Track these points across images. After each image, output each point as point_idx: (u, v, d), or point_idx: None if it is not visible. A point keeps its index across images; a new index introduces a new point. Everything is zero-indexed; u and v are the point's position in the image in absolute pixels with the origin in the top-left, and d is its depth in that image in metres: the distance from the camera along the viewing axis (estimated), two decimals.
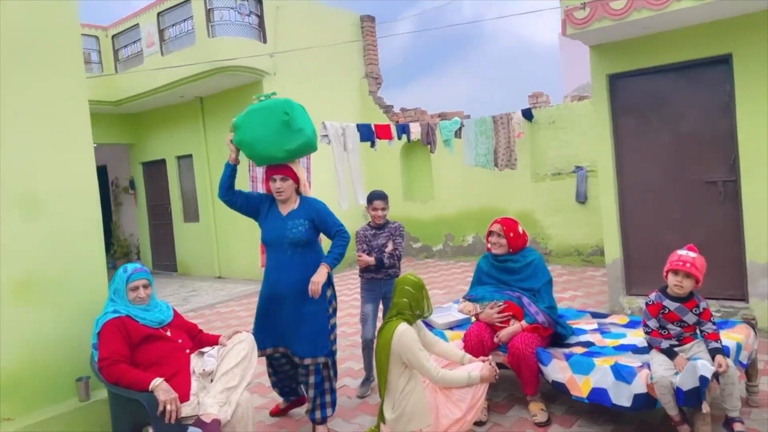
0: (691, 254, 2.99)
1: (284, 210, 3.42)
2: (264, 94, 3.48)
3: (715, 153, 4.93)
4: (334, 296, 3.56)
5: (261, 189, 5.48)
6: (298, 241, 3.34)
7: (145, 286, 3.06)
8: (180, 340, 3.07)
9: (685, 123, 5.06)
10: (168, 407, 2.64)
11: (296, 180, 3.42)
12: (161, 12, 9.60)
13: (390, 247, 4.09)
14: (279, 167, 3.36)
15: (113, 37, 10.67)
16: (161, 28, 9.69)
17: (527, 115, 8.71)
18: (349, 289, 8.20)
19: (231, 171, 3.42)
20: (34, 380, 3.16)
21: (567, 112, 8.60)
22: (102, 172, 12.86)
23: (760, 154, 4.61)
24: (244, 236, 9.72)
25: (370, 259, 4.03)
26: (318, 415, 3.42)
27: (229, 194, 3.42)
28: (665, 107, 5.15)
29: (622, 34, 5.02)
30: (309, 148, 3.42)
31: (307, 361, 3.34)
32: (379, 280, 4.10)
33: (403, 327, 3.01)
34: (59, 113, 3.40)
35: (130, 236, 12.76)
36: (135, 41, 10.30)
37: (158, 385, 2.70)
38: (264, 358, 3.57)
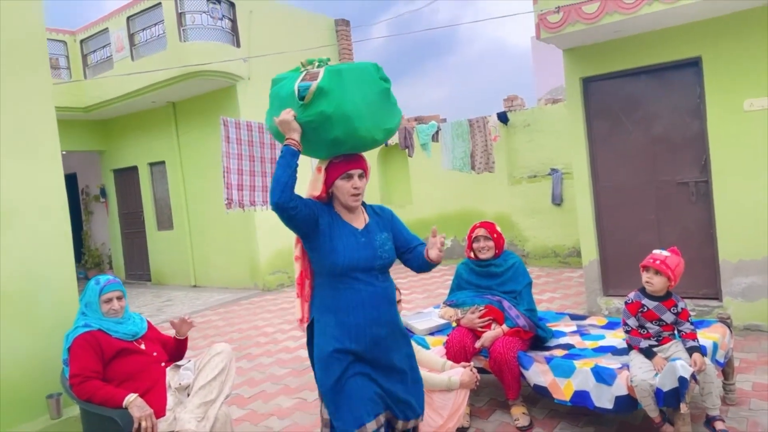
0: (665, 253, 3.04)
1: (356, 222, 2.44)
2: (318, 59, 2.42)
3: (686, 154, 5.02)
4: None
5: (238, 198, 5.34)
6: (389, 263, 2.45)
7: (119, 298, 2.97)
8: (155, 353, 2.99)
9: (657, 125, 5.14)
10: (143, 424, 2.57)
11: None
12: (131, 16, 9.42)
13: None
14: (357, 158, 2.40)
15: (82, 41, 10.43)
16: (131, 33, 9.50)
17: (503, 118, 8.78)
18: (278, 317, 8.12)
19: (296, 162, 2.28)
20: (2, 398, 3.04)
21: (542, 115, 8.69)
22: (72, 179, 12.55)
23: (730, 154, 4.71)
24: (221, 243, 9.59)
25: None
26: None
27: (294, 197, 2.25)
28: (638, 110, 5.22)
29: (595, 38, 5.08)
30: (396, 130, 2.55)
31: (411, 423, 2.47)
32: None
33: None
34: (24, 121, 3.29)
35: (102, 246, 12.47)
36: (104, 46, 10.08)
37: (132, 401, 2.63)
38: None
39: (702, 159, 4.92)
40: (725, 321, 3.52)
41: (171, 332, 3.24)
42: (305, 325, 2.49)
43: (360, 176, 2.38)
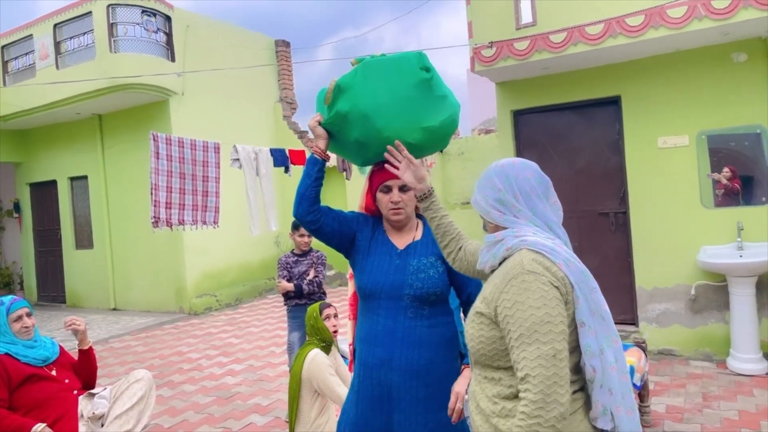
0: None
1: (399, 240, 2.11)
2: (371, 55, 2.12)
3: (607, 186, 5.33)
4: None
5: (165, 216, 5.12)
6: (426, 294, 1.99)
7: (28, 315, 2.79)
8: (67, 380, 2.79)
9: (580, 158, 5.43)
10: None
11: None
12: (58, 23, 8.98)
13: (312, 274, 4.11)
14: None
15: (3, 47, 9.82)
16: (57, 41, 9.05)
17: None
18: (272, 317, 7.91)
19: (319, 171, 2.08)
20: None
21: (475, 145, 8.99)
22: None
23: (646, 187, 5.03)
24: (144, 264, 9.15)
25: (289, 286, 4.06)
26: None
27: (314, 210, 2.05)
28: (563, 142, 5.51)
29: (525, 73, 5.34)
30: (452, 129, 2.13)
31: None
32: (304, 306, 4.01)
33: (314, 352, 2.93)
34: None
35: (13, 264, 11.59)
36: (27, 53, 9.53)
37: (41, 431, 2.42)
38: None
39: (621, 191, 5.23)
40: (641, 345, 3.71)
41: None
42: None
43: (402, 188, 2.04)
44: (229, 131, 8.85)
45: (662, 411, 3.77)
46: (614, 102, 5.21)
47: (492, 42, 4.95)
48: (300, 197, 2.05)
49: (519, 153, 5.68)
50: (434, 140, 2.07)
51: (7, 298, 2.83)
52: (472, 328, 1.50)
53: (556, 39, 4.68)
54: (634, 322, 5.18)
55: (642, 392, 3.57)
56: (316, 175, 2.06)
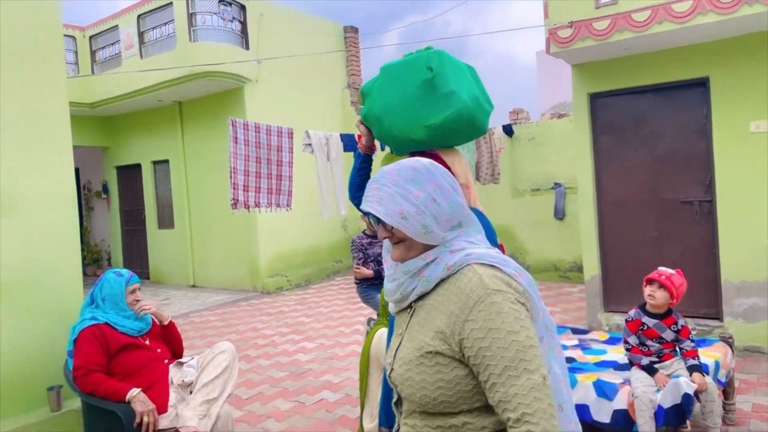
0: (670, 270, 3.07)
1: None
2: (428, 47, 2.20)
3: (691, 173, 5.05)
4: None
5: (243, 199, 5.35)
6: None
7: (139, 290, 3.02)
8: (159, 350, 2.99)
9: (663, 143, 5.18)
10: (145, 419, 2.57)
11: None
12: (142, 14, 9.48)
13: None
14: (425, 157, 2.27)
15: (91, 38, 10.48)
16: (141, 31, 9.55)
17: (508, 130, 8.82)
18: (340, 299, 8.12)
19: (361, 162, 2.39)
20: (3, 388, 3.03)
21: (546, 129, 8.73)
22: (74, 174, 12.53)
23: (735, 175, 4.74)
24: (221, 244, 9.58)
25: (369, 273, 4.10)
26: None
27: (359, 195, 2.34)
28: (644, 127, 5.26)
29: (604, 54, 5.12)
30: (466, 124, 2.16)
31: None
32: (378, 285, 4.09)
33: (381, 331, 2.97)
34: (39, 113, 3.31)
35: (101, 242, 12.45)
36: (113, 43, 10.13)
37: (135, 395, 2.62)
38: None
39: (707, 179, 4.95)
40: (727, 340, 3.53)
41: None
42: None
43: None
44: (299, 117, 9.07)
45: (748, 409, 3.59)
46: (701, 84, 4.91)
47: (571, 21, 4.78)
48: (349, 186, 2.43)
49: (595, 138, 5.48)
50: (441, 136, 2.14)
51: (126, 272, 3.07)
52: (423, 374, 1.18)
53: (639, 18, 4.46)
54: (718, 317, 4.92)
55: (727, 389, 3.40)
56: (359, 166, 2.39)
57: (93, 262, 12.15)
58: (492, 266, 1.19)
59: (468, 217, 1.28)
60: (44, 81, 3.34)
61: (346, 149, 6.99)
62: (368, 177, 2.42)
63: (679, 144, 5.11)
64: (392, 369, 1.27)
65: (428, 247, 1.23)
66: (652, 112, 5.22)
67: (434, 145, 2.19)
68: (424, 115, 2.10)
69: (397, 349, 1.27)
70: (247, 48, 9.08)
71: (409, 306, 1.28)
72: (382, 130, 2.22)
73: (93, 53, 10.52)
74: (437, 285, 1.22)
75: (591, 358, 3.59)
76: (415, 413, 1.25)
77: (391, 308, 1.33)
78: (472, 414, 1.18)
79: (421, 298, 1.25)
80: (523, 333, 1.11)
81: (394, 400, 1.36)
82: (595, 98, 5.46)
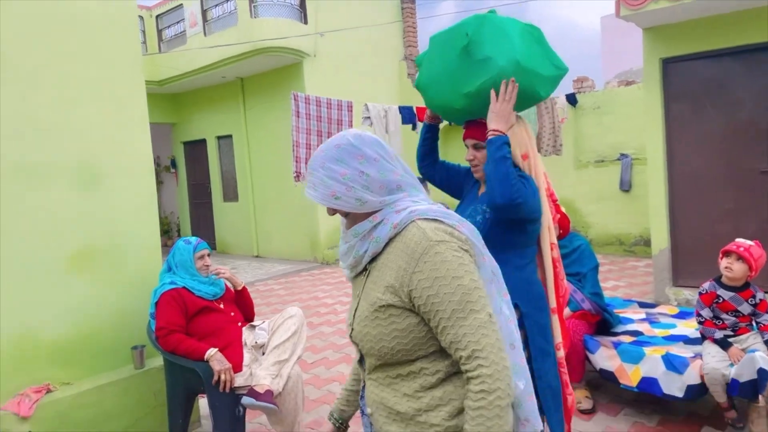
0: (749, 242, 2.94)
1: (482, 190, 2.27)
2: (491, 10, 2.18)
3: None
4: None
5: (305, 172, 5.46)
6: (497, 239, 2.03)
7: (208, 255, 3.18)
8: (232, 314, 3.15)
9: (742, 110, 4.88)
10: (222, 377, 2.72)
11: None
12: None
13: None
14: (470, 126, 2.21)
15: (157, 17, 10.84)
16: (204, 9, 9.79)
17: (571, 100, 8.52)
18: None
19: (425, 133, 2.45)
20: (91, 347, 3.29)
21: (613, 98, 8.39)
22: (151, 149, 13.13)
23: None
24: (283, 216, 9.86)
25: None
26: None
27: (426, 164, 2.47)
28: (721, 93, 4.97)
29: (679, 16, 4.85)
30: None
31: None
32: None
33: None
34: (119, 90, 3.49)
35: (171, 214, 13.06)
36: (178, 21, 10.44)
37: (213, 355, 2.78)
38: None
39: None
40: None
41: None
42: None
43: (475, 146, 2.19)
44: (357, 90, 9.09)
45: None
46: None
47: None
48: (417, 154, 2.49)
49: (667, 105, 5.23)
50: (479, 104, 2.08)
51: (194, 239, 3.24)
52: (379, 327, 1.26)
53: None
54: None
55: None
56: (424, 136, 2.46)
57: (164, 233, 12.80)
58: (435, 220, 1.24)
59: (408, 181, 1.33)
60: (122, 59, 3.51)
61: (404, 122, 6.98)
62: (433, 148, 2.48)
63: (761, 111, 4.80)
64: (352, 329, 1.35)
65: (375, 210, 1.29)
66: (730, 78, 4.91)
67: (479, 113, 2.12)
68: (461, 83, 2.08)
69: (355, 310, 1.35)
70: (306, 22, 9.15)
71: (365, 269, 1.34)
72: (427, 99, 2.27)
73: (159, 32, 10.89)
74: (387, 244, 1.28)
75: (659, 332, 3.51)
76: (377, 368, 1.32)
77: (347, 274, 1.40)
78: (429, 359, 1.25)
79: (373, 259, 1.31)
80: (467, 277, 1.18)
81: (357, 358, 1.43)
82: (667, 63, 5.19)
